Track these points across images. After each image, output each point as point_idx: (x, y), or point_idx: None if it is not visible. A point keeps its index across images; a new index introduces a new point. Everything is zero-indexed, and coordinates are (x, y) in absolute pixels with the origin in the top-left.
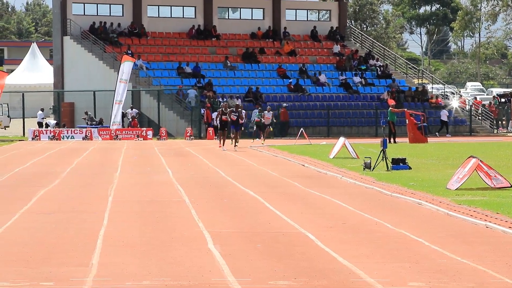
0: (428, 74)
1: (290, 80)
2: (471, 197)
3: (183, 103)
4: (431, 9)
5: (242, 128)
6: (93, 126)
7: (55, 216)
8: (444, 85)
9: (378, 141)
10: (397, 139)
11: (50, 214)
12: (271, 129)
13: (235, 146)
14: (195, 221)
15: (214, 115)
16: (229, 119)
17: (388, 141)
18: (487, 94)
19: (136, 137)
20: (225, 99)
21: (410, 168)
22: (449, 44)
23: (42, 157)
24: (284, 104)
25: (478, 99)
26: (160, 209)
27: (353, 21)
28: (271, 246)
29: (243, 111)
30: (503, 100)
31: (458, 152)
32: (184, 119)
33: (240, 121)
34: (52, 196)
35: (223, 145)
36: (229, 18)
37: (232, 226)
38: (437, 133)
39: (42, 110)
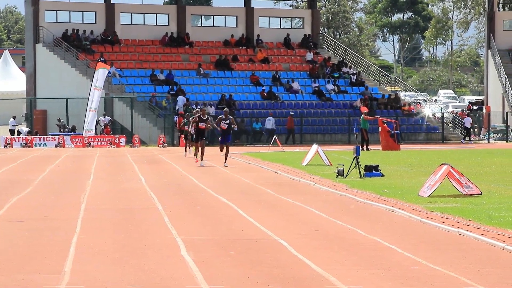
0: (401, 82)
1: (263, 88)
2: (443, 204)
3: (156, 110)
4: (403, 17)
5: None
6: (66, 133)
7: (27, 223)
8: (417, 92)
9: (351, 148)
10: (370, 147)
11: (23, 221)
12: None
13: (225, 161)
14: (168, 228)
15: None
16: (216, 128)
17: (361, 148)
18: (459, 102)
19: (109, 144)
20: (199, 107)
21: (382, 175)
22: (422, 51)
23: (14, 165)
24: (291, 112)
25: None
26: (133, 217)
27: (326, 29)
28: (244, 253)
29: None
30: (475, 107)
31: (430, 160)
32: (157, 127)
33: (232, 129)
34: (25, 204)
35: (201, 159)
36: (202, 25)
37: (205, 233)
38: (462, 141)
39: (14, 117)
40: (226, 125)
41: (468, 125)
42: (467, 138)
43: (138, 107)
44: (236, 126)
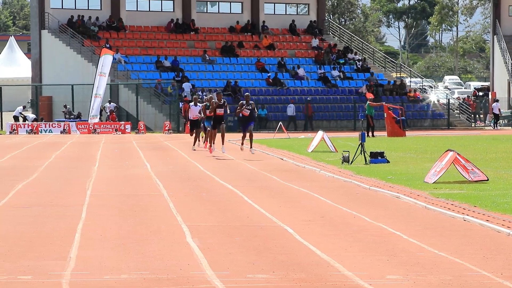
0: (406, 68)
1: (268, 74)
2: (448, 190)
3: (161, 96)
4: (409, 2)
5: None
6: (71, 120)
7: (33, 210)
8: (422, 78)
9: (356, 134)
10: (375, 133)
11: (28, 208)
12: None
13: (250, 147)
14: (173, 215)
15: (196, 108)
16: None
17: (366, 134)
18: (465, 88)
19: (114, 131)
20: (204, 93)
21: (388, 161)
22: (427, 37)
23: (20, 151)
24: (308, 98)
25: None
26: (138, 203)
27: (331, 15)
28: (250, 240)
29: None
30: (481, 93)
31: (436, 146)
32: (163, 113)
33: (254, 116)
34: (30, 190)
35: (223, 144)
36: (208, 11)
37: (210, 219)
38: (497, 127)
39: (24, 107)
40: (249, 111)
41: (496, 110)
42: (496, 124)
43: (144, 93)
44: (256, 112)
